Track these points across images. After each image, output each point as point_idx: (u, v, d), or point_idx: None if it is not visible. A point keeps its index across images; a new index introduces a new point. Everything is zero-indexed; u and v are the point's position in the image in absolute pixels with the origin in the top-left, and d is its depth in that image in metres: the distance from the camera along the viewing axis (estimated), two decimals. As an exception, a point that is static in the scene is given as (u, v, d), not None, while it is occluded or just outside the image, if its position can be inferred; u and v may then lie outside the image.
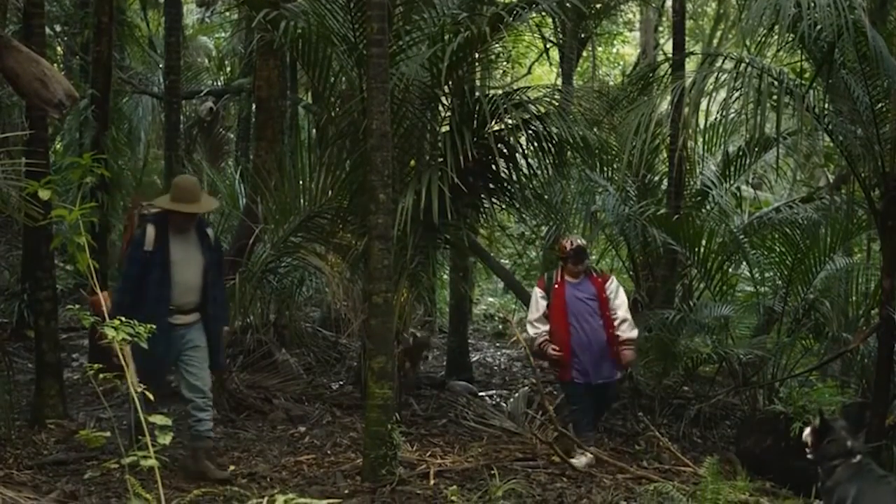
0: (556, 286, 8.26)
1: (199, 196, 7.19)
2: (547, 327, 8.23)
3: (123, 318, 6.43)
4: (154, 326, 6.34)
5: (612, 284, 8.35)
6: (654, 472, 7.99)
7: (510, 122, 8.62)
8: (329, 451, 8.14)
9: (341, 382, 10.77)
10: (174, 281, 6.97)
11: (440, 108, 9.12)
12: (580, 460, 7.87)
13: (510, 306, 18.38)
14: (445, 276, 13.73)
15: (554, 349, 8.16)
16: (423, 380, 11.17)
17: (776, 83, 8.20)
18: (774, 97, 8.43)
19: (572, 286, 8.24)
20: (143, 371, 6.52)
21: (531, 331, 8.35)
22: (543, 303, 8.27)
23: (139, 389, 6.33)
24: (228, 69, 18.74)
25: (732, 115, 8.83)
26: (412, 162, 9.03)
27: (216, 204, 7.95)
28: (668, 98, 9.28)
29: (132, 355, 6.44)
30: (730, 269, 10.91)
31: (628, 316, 8.29)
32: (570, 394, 8.50)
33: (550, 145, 8.84)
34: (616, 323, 8.20)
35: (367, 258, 7.58)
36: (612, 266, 12.24)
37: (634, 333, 8.32)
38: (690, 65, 11.81)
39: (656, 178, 11.33)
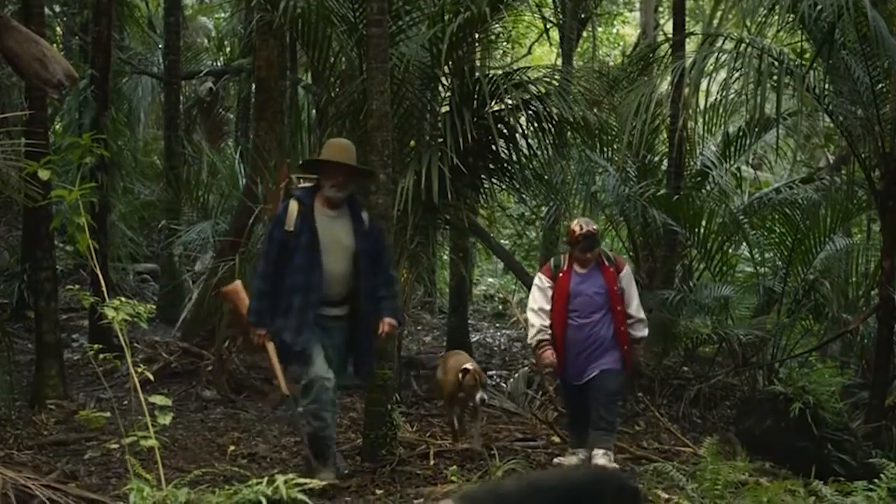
0: (562, 274, 7.17)
1: (354, 157, 6.54)
2: (548, 322, 7.12)
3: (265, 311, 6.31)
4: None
5: (626, 275, 7.21)
6: (653, 452, 8.01)
7: (510, 102, 8.58)
8: (329, 432, 8.14)
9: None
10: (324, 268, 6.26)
11: (440, 88, 9.08)
12: (570, 460, 7.27)
13: (510, 287, 18.39)
14: (445, 257, 13.72)
15: (551, 355, 7.10)
16: (422, 360, 11.20)
17: (776, 63, 8.19)
18: (775, 78, 8.43)
19: (579, 277, 7.13)
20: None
21: (532, 322, 7.18)
22: (549, 293, 7.16)
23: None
24: (228, 49, 18.69)
25: (732, 96, 8.80)
26: (412, 142, 8.99)
27: (373, 178, 6.87)
28: (669, 78, 9.29)
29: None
30: (730, 250, 10.92)
31: (641, 314, 7.22)
32: (562, 394, 8.03)
33: (550, 126, 8.79)
34: (630, 322, 7.14)
35: (367, 239, 7.55)
36: (612, 246, 12.24)
37: (646, 332, 7.32)
38: (691, 45, 11.77)
39: (656, 159, 11.31)
